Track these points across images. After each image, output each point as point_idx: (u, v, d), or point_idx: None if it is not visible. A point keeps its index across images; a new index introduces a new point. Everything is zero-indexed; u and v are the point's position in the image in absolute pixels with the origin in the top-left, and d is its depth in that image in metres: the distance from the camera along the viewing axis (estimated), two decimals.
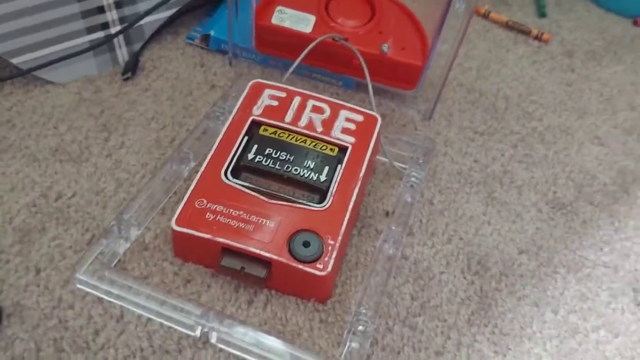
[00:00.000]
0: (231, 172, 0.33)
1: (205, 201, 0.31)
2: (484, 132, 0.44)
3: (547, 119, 0.46)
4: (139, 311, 0.30)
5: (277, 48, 0.42)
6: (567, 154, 0.44)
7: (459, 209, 0.39)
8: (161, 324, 0.30)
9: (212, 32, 0.46)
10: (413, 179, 0.38)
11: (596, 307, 0.35)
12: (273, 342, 0.29)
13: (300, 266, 0.30)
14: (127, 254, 0.33)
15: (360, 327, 0.30)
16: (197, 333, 0.29)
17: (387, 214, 0.37)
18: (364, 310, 0.30)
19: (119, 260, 0.32)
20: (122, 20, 0.42)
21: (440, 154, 0.42)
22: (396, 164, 0.39)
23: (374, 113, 0.37)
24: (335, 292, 0.33)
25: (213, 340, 0.29)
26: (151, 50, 0.45)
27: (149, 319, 0.30)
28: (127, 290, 0.29)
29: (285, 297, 0.32)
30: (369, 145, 0.36)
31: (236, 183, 0.32)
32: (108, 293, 0.30)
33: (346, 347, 0.29)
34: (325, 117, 0.36)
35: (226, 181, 0.32)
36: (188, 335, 0.30)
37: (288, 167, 0.34)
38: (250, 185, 0.33)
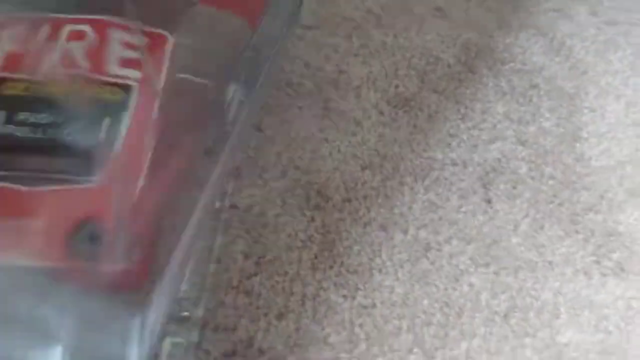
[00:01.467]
0: None
1: None
2: (312, 26, 0.38)
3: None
4: None
5: None
6: (406, 37, 0.39)
7: (291, 130, 0.33)
8: None
9: None
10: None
11: (447, 215, 0.32)
12: None
13: (88, 267, 0.24)
14: None
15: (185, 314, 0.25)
16: None
17: (206, 152, 0.31)
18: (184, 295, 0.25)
19: None
20: None
21: None
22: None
23: (160, 30, 0.29)
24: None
25: None
26: None
27: None
28: None
29: None
30: (160, 78, 0.28)
31: None
32: None
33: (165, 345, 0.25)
34: (90, 44, 0.28)
35: None
36: None
37: (53, 132, 0.26)
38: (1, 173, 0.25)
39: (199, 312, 0.26)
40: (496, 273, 0.31)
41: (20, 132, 0.25)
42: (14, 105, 0.26)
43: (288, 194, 0.31)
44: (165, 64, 0.28)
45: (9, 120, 0.26)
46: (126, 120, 0.26)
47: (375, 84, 0.36)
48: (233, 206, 0.30)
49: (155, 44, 0.29)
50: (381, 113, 0.35)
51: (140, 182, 0.25)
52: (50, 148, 0.25)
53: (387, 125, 0.35)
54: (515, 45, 0.40)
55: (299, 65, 0.36)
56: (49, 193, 0.24)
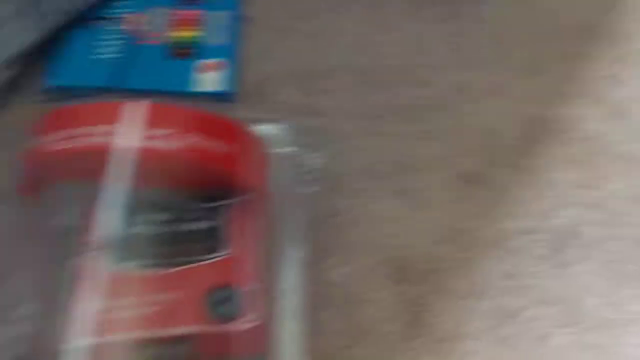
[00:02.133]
0: (113, 257, 0.30)
1: (94, 302, 0.28)
2: (380, 116, 0.42)
3: (440, 81, 0.44)
4: None
5: None
6: (468, 115, 0.42)
7: (368, 212, 0.37)
8: None
9: (54, 83, 0.41)
10: (309, 167, 0.36)
11: (524, 281, 0.34)
12: None
13: (227, 326, 0.28)
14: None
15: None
16: None
17: None
18: None
19: None
20: None
21: (338, 154, 0.40)
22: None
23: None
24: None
25: None
26: None
27: None
28: None
29: None
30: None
31: (121, 268, 0.29)
32: None
33: None
34: None
35: (112, 271, 0.29)
36: None
37: (172, 226, 0.31)
38: (138, 264, 0.29)
39: None
40: (577, 333, 0.32)
41: (147, 230, 0.30)
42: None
43: (372, 273, 0.34)
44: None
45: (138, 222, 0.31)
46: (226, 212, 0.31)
47: (444, 163, 0.39)
48: (328, 283, 0.33)
49: None
50: (452, 190, 0.38)
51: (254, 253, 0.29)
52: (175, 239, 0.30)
53: (458, 201, 0.37)
54: (575, 114, 0.42)
55: (370, 153, 0.40)
56: (183, 271, 0.29)
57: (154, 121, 0.27)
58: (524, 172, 0.39)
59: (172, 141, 0.27)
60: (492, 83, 0.44)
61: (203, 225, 0.31)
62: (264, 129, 0.35)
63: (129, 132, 0.26)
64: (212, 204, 0.31)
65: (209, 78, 0.42)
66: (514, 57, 0.46)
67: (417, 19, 0.49)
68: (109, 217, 0.30)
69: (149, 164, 0.27)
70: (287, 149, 0.36)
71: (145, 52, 0.42)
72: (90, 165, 0.28)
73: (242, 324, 0.28)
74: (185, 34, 0.44)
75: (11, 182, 0.30)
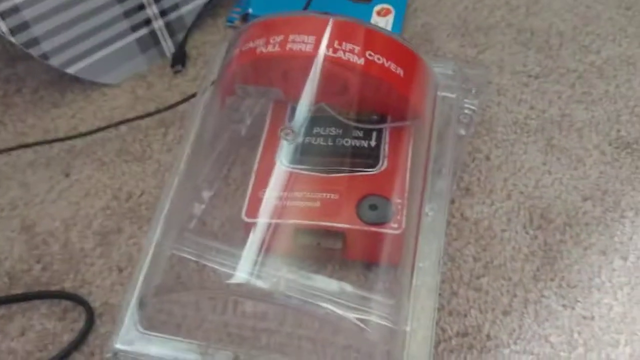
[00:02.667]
0: (287, 158, 0.34)
1: (270, 190, 0.32)
2: (539, 75, 0.43)
3: (605, 51, 0.44)
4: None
5: None
6: (629, 87, 0.42)
7: (517, 161, 0.38)
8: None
9: (250, 10, 0.46)
10: (466, 111, 0.38)
11: None
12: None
13: (374, 229, 0.31)
14: (204, 215, 0.34)
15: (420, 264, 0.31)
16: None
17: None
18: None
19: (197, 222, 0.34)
20: (162, 13, 0.43)
21: (494, 105, 0.41)
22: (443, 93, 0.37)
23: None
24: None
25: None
26: (194, 38, 0.46)
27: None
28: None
29: (351, 270, 0.33)
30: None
31: (293, 167, 0.33)
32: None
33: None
34: None
35: (283, 168, 0.33)
36: None
37: (339, 141, 0.34)
38: (307, 167, 0.33)
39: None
40: None
41: (315, 140, 0.34)
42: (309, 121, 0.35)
43: (513, 214, 0.36)
44: None
45: (306, 133, 0.35)
46: (386, 133, 0.34)
47: (597, 128, 0.39)
48: (464, 218, 0.36)
49: None
50: (603, 153, 0.38)
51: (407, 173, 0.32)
52: (340, 152, 0.34)
53: (609, 164, 0.38)
54: None
55: (524, 107, 0.41)
56: (344, 177, 0.32)
57: (345, 36, 0.30)
58: None
59: (360, 56, 0.30)
60: None
61: (366, 142, 0.34)
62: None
63: (325, 43, 0.30)
64: (378, 126, 0.35)
65: (381, 22, 0.45)
66: None
67: None
68: (293, 125, 0.34)
69: (337, 75, 0.30)
70: (451, 92, 0.38)
71: None
72: (284, 70, 0.32)
73: (388, 230, 0.31)
74: None
75: (217, 83, 0.35)
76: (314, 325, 0.31)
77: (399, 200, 0.32)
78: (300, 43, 0.30)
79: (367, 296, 0.31)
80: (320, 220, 0.31)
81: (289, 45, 0.30)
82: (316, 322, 0.31)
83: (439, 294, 0.32)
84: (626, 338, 0.31)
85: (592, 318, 0.31)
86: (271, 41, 0.31)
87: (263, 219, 0.31)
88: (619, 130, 0.39)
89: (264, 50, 0.31)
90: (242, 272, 0.29)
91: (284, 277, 0.31)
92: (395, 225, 0.31)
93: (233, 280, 0.28)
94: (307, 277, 0.31)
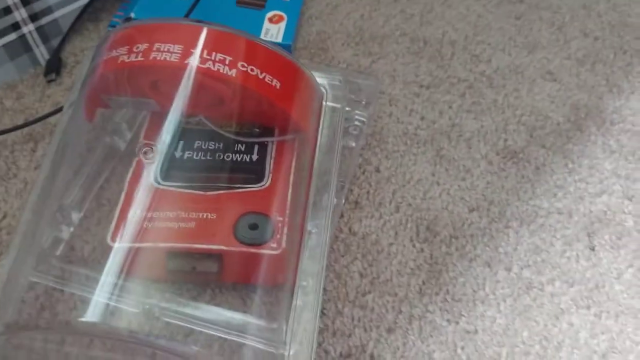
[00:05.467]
0: (162, 175, 0.32)
1: (138, 211, 0.30)
2: (430, 85, 0.43)
3: (495, 60, 0.45)
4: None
5: None
6: (517, 96, 0.42)
7: (406, 172, 0.37)
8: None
9: (132, 15, 0.43)
10: (356, 122, 0.37)
11: (550, 258, 0.34)
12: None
13: (253, 250, 0.29)
14: (72, 239, 0.32)
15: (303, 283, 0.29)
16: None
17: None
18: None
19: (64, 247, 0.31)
20: (32, 17, 0.40)
21: (385, 115, 0.41)
22: (331, 104, 0.37)
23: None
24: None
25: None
26: (72, 44, 0.43)
27: None
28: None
29: (231, 293, 0.32)
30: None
31: (167, 185, 0.31)
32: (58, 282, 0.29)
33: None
34: None
35: (155, 185, 0.31)
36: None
37: (219, 155, 0.33)
38: (183, 184, 0.31)
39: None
40: (597, 315, 0.32)
41: (195, 155, 0.32)
42: (189, 134, 0.33)
43: (401, 227, 0.35)
44: None
45: (186, 147, 0.32)
46: (272, 143, 0.33)
47: (485, 138, 0.40)
48: (352, 232, 0.35)
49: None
50: (490, 163, 0.38)
51: (289, 190, 0.31)
52: (220, 167, 0.32)
53: (495, 174, 0.38)
54: (626, 107, 0.42)
55: (415, 117, 0.40)
56: (221, 195, 0.31)
57: (216, 46, 0.29)
58: (565, 155, 0.39)
59: (231, 67, 0.28)
60: (546, 67, 0.44)
61: (247, 157, 0.33)
62: (319, 81, 0.36)
63: (193, 52, 0.28)
64: (258, 139, 0.33)
65: (273, 29, 0.44)
66: (572, 45, 0.46)
67: None
68: (164, 138, 0.32)
69: (206, 86, 0.29)
70: (338, 103, 0.37)
71: None
72: (152, 80, 0.30)
73: (266, 250, 0.29)
74: None
75: (81, 94, 0.32)
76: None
77: (279, 218, 0.30)
78: (165, 52, 0.28)
79: (247, 321, 0.29)
80: (193, 243, 0.29)
81: (153, 55, 0.28)
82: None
83: (324, 314, 0.31)
84: (507, 351, 0.31)
85: (476, 332, 0.31)
86: (134, 50, 0.29)
87: (127, 242, 0.29)
88: (506, 140, 0.40)
89: (126, 59, 0.28)
90: (102, 303, 0.27)
91: (156, 304, 0.29)
92: (275, 245, 0.30)
93: (90, 317, 0.26)
94: (182, 303, 0.29)
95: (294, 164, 0.33)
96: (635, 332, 0.31)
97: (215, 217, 0.30)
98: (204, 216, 0.30)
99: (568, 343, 0.31)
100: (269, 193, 0.31)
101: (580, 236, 0.35)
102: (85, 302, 0.29)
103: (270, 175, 0.32)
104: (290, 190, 0.32)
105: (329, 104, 0.36)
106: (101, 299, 0.28)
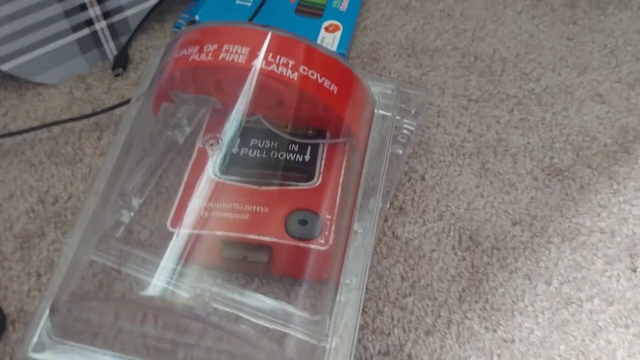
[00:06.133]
0: (220, 169, 0.33)
1: (198, 200, 0.32)
2: (479, 99, 0.43)
3: (545, 79, 0.45)
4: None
5: None
6: (565, 115, 0.43)
7: (450, 183, 0.38)
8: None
9: (197, 17, 0.45)
10: (404, 131, 0.38)
11: (591, 276, 0.34)
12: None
13: (301, 244, 0.31)
14: (132, 223, 0.34)
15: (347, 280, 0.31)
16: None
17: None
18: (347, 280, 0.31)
19: (124, 230, 0.33)
20: (105, 15, 0.42)
21: (433, 126, 0.42)
22: (382, 112, 0.38)
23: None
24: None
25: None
26: (139, 42, 0.46)
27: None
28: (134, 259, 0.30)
29: (277, 284, 0.33)
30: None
31: (225, 179, 0.33)
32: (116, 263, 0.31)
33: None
34: None
35: (213, 178, 0.33)
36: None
37: (274, 154, 0.34)
38: (239, 178, 0.33)
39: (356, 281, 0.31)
40: (635, 335, 0.32)
41: (251, 153, 0.34)
42: (245, 132, 0.35)
43: (443, 235, 0.36)
44: None
45: (242, 144, 0.34)
46: (323, 145, 0.34)
47: (531, 154, 0.40)
48: (396, 236, 0.36)
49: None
50: (535, 179, 0.39)
51: (338, 189, 0.32)
52: (274, 164, 0.33)
53: (540, 190, 0.38)
54: None
55: (462, 130, 0.41)
56: (274, 191, 0.32)
57: (280, 50, 0.30)
58: (611, 176, 0.39)
59: (293, 71, 0.30)
60: (596, 89, 0.44)
61: (300, 157, 0.34)
62: (372, 89, 0.38)
63: (258, 55, 0.30)
64: (312, 141, 0.35)
65: (329, 37, 0.45)
66: (624, 69, 0.46)
67: (534, 17, 0.50)
68: (227, 133, 0.34)
69: (269, 87, 0.30)
70: (389, 111, 0.38)
71: (280, 5, 0.46)
72: (217, 79, 0.32)
73: (314, 245, 0.31)
74: None
75: (149, 89, 0.34)
76: (234, 341, 0.31)
77: (328, 217, 0.32)
78: (233, 53, 0.30)
79: (291, 312, 0.31)
80: (247, 233, 0.31)
81: (222, 55, 0.30)
82: (236, 338, 0.30)
83: (365, 312, 0.32)
84: None
85: (513, 341, 0.32)
86: (205, 50, 0.30)
87: (186, 229, 0.31)
88: (552, 157, 0.40)
89: (196, 58, 0.30)
90: (158, 284, 0.28)
91: (207, 289, 0.30)
92: (322, 241, 0.31)
93: (147, 292, 0.28)
94: (231, 290, 0.31)
95: (344, 166, 0.34)
96: None
97: (267, 210, 0.32)
98: (258, 209, 0.32)
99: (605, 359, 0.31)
100: (319, 192, 0.33)
101: (622, 256, 0.35)
102: (140, 282, 0.31)
103: (321, 175, 0.33)
104: (339, 191, 0.33)
105: (380, 111, 0.38)
106: (156, 280, 0.30)
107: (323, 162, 0.34)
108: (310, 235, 0.31)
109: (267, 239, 0.31)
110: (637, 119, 0.42)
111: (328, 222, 0.31)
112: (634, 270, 0.35)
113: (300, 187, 0.33)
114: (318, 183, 0.33)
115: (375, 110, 0.37)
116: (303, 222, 0.31)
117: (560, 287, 0.34)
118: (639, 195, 0.38)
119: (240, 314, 0.30)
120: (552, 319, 0.33)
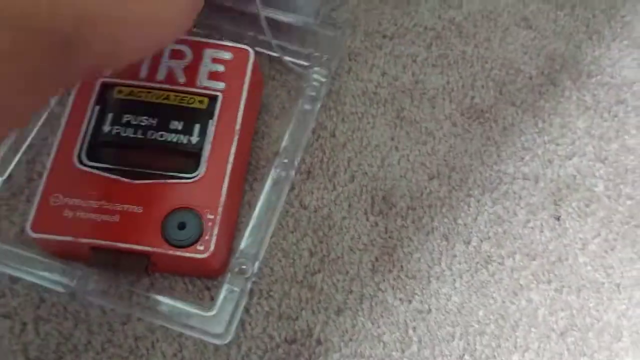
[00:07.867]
0: (86, 153, 0.29)
1: (60, 196, 0.28)
2: (394, 35, 0.39)
3: (467, 4, 0.41)
4: None
5: None
6: (488, 47, 0.39)
7: (363, 137, 0.35)
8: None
9: None
10: (314, 82, 0.34)
11: (512, 229, 0.32)
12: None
13: (179, 253, 0.27)
14: None
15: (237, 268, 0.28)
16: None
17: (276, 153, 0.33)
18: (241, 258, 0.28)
19: None
20: None
21: (344, 72, 0.37)
22: (288, 59, 0.34)
23: (244, 46, 0.32)
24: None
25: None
26: None
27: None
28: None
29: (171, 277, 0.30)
30: (242, 88, 0.31)
31: (92, 167, 0.29)
32: None
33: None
34: (187, 62, 0.31)
35: (80, 167, 0.29)
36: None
37: (152, 133, 0.30)
38: (109, 167, 0.29)
39: (255, 267, 0.28)
40: (558, 290, 0.31)
41: (124, 132, 0.29)
42: (119, 107, 0.30)
43: (354, 199, 0.33)
44: (248, 75, 0.31)
45: (114, 121, 0.30)
46: (212, 126, 0.30)
47: (451, 95, 0.37)
48: (303, 206, 0.33)
49: (239, 58, 0.32)
50: (454, 124, 0.36)
51: (225, 183, 0.28)
52: (153, 147, 0.29)
53: (459, 136, 0.35)
54: (605, 57, 0.39)
55: (376, 74, 0.37)
56: (150, 185, 0.28)
57: None
58: (536, 113, 0.36)
59: None
60: (522, 12, 0.40)
61: (185, 138, 0.29)
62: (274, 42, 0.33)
63: None
64: (199, 120, 0.30)
65: None
66: None
67: None
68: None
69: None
70: (295, 62, 0.34)
71: None
72: None
73: (194, 254, 0.27)
74: None
75: None
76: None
77: (210, 216, 0.28)
78: None
79: (184, 308, 0.28)
80: (117, 241, 0.27)
81: None
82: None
83: (270, 296, 0.30)
84: (461, 331, 0.29)
85: (429, 311, 0.30)
86: None
87: (48, 234, 0.27)
88: (472, 97, 0.37)
89: None
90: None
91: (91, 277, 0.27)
92: (202, 248, 0.27)
93: None
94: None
95: (234, 148, 0.30)
96: (596, 308, 0.30)
97: (142, 211, 0.28)
98: (130, 209, 0.28)
99: (525, 321, 0.30)
100: (202, 185, 0.28)
101: (545, 204, 0.33)
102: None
103: (206, 164, 0.29)
104: (225, 183, 0.28)
105: (287, 62, 0.34)
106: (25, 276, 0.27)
107: (210, 146, 0.29)
108: (188, 242, 0.27)
109: (140, 247, 0.27)
110: (564, 43, 0.39)
111: (210, 224, 0.28)
112: (558, 219, 0.33)
113: (181, 181, 0.29)
114: (202, 174, 0.29)
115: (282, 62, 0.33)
116: (182, 226, 0.27)
117: (480, 245, 0.32)
118: (565, 132, 0.35)
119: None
120: (471, 282, 0.31)
